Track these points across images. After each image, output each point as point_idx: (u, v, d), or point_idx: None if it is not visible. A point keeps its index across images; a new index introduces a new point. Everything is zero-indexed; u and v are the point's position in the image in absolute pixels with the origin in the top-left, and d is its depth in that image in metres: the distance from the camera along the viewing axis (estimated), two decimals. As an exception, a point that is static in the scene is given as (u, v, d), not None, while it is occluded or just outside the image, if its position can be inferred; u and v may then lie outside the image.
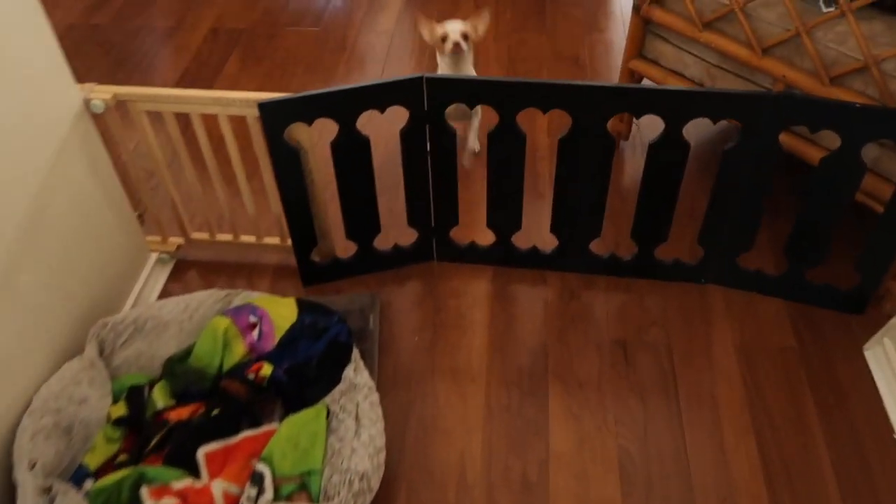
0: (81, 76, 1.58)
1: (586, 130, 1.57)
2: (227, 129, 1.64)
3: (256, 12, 2.89)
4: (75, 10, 2.94)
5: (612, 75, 2.51)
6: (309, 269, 1.83)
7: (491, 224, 1.81)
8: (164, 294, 1.87)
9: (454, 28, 1.87)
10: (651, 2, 1.88)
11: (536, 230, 1.89)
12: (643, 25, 1.94)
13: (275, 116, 1.52)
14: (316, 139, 1.63)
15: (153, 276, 1.89)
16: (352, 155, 1.63)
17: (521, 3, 2.88)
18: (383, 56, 2.65)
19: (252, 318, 1.55)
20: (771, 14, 1.68)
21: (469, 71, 1.94)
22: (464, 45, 1.87)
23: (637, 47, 1.99)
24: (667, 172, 1.62)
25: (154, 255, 1.91)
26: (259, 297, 1.62)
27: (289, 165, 1.60)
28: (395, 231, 1.93)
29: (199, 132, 1.65)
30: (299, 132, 1.58)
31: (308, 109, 1.53)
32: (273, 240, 1.89)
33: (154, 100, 1.59)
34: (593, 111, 1.53)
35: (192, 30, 2.82)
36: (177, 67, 2.63)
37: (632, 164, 2.17)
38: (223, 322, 1.53)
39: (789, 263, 1.70)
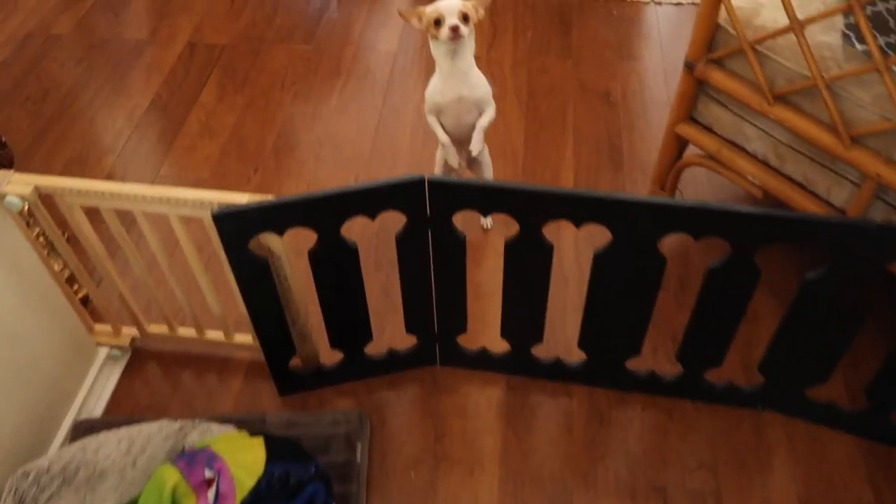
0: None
1: (630, 248, 1.24)
2: (180, 232, 1.31)
3: (240, 24, 2.53)
4: (35, 15, 2.58)
5: (651, 117, 2.16)
6: (286, 377, 1.53)
7: (505, 335, 1.50)
8: (117, 398, 1.57)
9: (450, 6, 1.49)
10: (708, 61, 1.53)
11: (562, 343, 1.59)
12: (696, 85, 1.60)
13: (234, 229, 1.20)
14: (290, 246, 1.31)
15: (103, 377, 1.59)
16: (335, 266, 1.32)
17: (543, 21, 2.51)
18: (385, 82, 2.30)
19: (208, 473, 1.25)
20: (866, 95, 1.34)
21: (470, 66, 1.57)
22: (463, 28, 1.49)
23: (687, 109, 1.65)
24: (729, 298, 1.30)
25: (104, 351, 1.61)
26: (220, 436, 1.32)
27: (255, 277, 1.29)
28: (390, 330, 1.62)
29: (147, 232, 1.33)
30: (268, 238, 1.27)
31: (277, 219, 1.21)
32: (244, 338, 1.58)
33: (85, 195, 1.26)
34: (640, 230, 1.21)
35: (167, 44, 2.46)
36: (145, 92, 2.28)
37: (678, 275, 1.84)
38: (172, 475, 1.23)
39: (870, 401, 1.39)
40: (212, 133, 2.15)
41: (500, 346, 1.54)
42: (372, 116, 2.19)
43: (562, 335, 1.61)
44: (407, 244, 1.32)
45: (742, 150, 1.60)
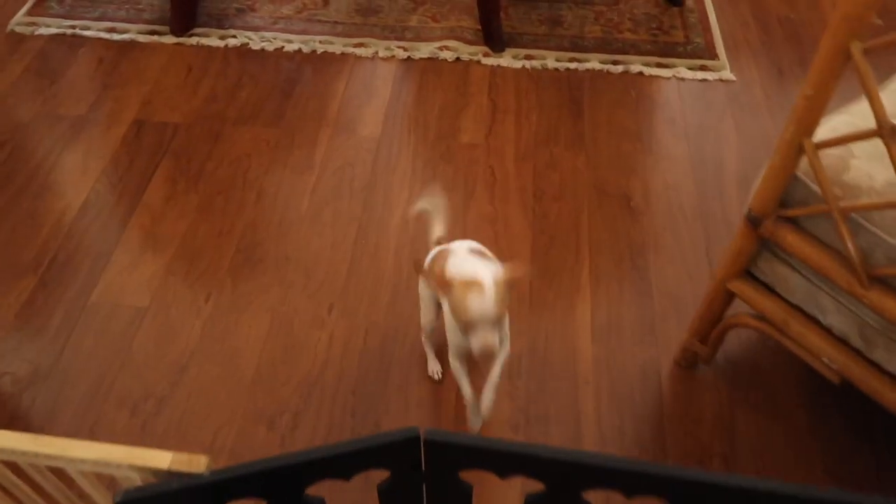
0: None
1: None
2: (87, 485, 0.96)
3: (197, 98, 2.16)
4: (-45, 81, 2.20)
5: (680, 233, 1.83)
6: None
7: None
8: None
9: (485, 312, 1.13)
10: (779, 218, 1.21)
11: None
12: (759, 242, 1.27)
13: (151, 516, 0.85)
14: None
15: None
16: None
17: (550, 100, 2.17)
18: (365, 180, 1.95)
19: None
20: None
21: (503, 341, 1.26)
22: (496, 341, 1.16)
23: (742, 262, 1.32)
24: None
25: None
26: None
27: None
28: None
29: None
30: None
31: (215, 497, 0.86)
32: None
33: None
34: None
35: (110, 123, 2.09)
36: (79, 188, 1.91)
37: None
38: None
39: None
40: (157, 244, 1.79)
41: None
42: (349, 226, 1.84)
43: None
44: (393, 497, 0.97)
45: (815, 321, 1.27)
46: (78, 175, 1.95)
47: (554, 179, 1.96)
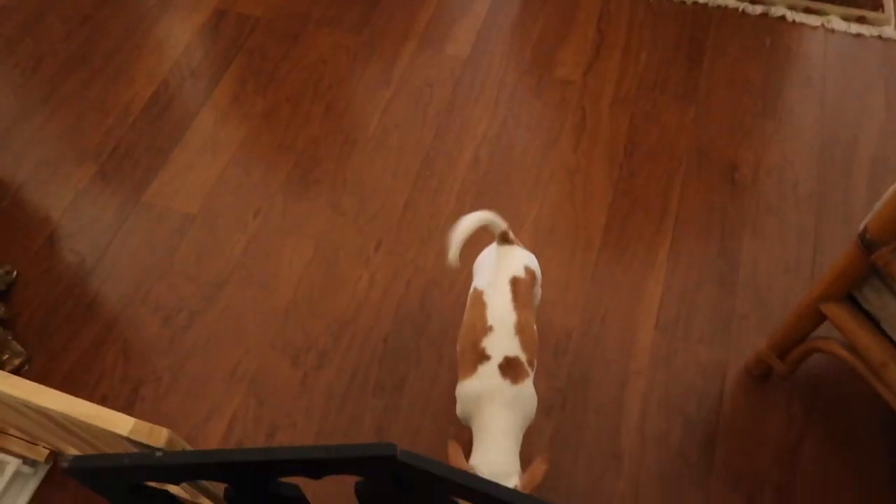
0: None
1: None
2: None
3: (284, -9, 2.02)
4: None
5: (788, 220, 1.57)
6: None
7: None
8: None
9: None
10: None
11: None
12: (868, 267, 1.04)
13: (102, 483, 0.79)
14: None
15: (8, 498, 1.26)
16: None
17: (667, 40, 1.89)
18: (443, 104, 1.78)
19: None
20: None
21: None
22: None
23: (845, 285, 1.10)
24: None
25: (13, 464, 1.28)
26: None
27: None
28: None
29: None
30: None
31: (170, 475, 0.79)
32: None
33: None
34: None
35: (192, 6, 2.00)
36: (150, 77, 1.85)
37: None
38: None
39: None
40: (216, 148, 1.72)
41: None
42: (416, 156, 1.69)
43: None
44: (372, 499, 0.88)
45: (920, 370, 1.05)
46: (153, 63, 1.89)
47: (652, 134, 1.73)
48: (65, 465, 0.74)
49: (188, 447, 0.82)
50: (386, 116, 1.77)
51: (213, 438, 1.33)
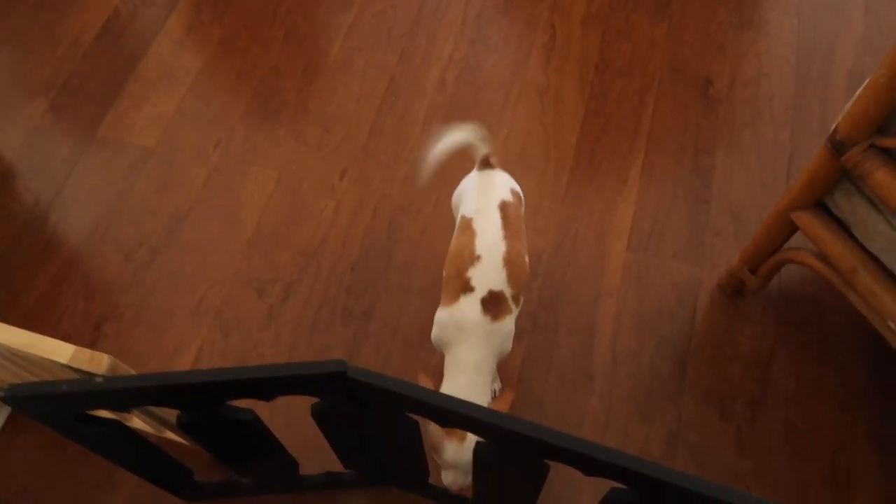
0: None
1: None
2: None
3: (238, -89, 1.91)
4: None
5: (762, 132, 1.54)
6: (189, 488, 1.15)
7: None
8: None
9: (459, 458, 1.00)
10: (871, 147, 0.94)
11: None
12: (839, 171, 1.01)
13: (44, 412, 0.77)
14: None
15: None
16: (226, 436, 0.88)
17: (641, -50, 1.81)
18: (407, 25, 1.71)
19: None
20: None
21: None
22: (467, 482, 1.04)
23: (816, 192, 1.06)
24: None
25: (-25, 405, 1.25)
26: None
27: (106, 441, 0.87)
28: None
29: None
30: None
31: (115, 401, 0.77)
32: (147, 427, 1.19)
33: None
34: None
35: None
36: (102, 4, 1.76)
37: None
38: None
39: None
40: (172, 79, 1.65)
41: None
42: (380, 80, 1.63)
43: None
44: (329, 419, 0.86)
45: (892, 277, 1.03)
46: (102, -9, 1.80)
47: (624, 50, 1.67)
48: (1, 394, 0.72)
49: (133, 373, 0.79)
50: (348, 40, 1.70)
51: (181, 373, 1.31)
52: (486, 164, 1.17)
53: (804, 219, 1.09)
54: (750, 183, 1.48)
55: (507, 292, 1.07)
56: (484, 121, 1.57)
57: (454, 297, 1.08)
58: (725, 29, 1.69)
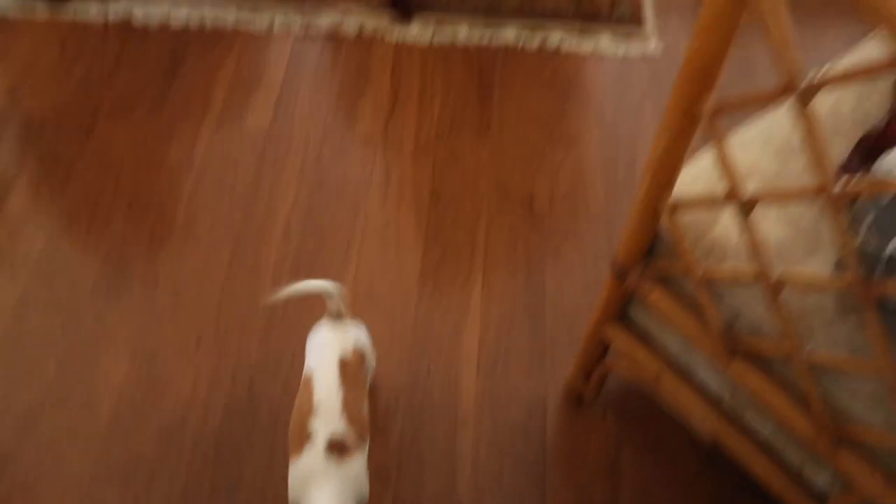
0: None
1: None
2: None
3: (71, 82, 1.96)
4: None
5: (583, 240, 1.68)
6: None
7: None
8: None
9: None
10: (646, 271, 1.07)
11: None
12: (625, 292, 1.14)
13: None
14: None
15: None
16: None
17: (458, 83, 1.97)
18: (249, 181, 1.78)
19: None
20: (865, 386, 0.90)
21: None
22: None
23: (614, 310, 1.20)
24: None
25: None
26: None
27: None
28: None
29: None
30: None
31: None
32: None
33: None
34: None
35: (-30, 118, 1.90)
36: (-66, 200, 1.75)
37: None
38: None
39: None
40: (13, 267, 1.64)
41: None
42: (226, 238, 1.68)
43: None
44: None
45: (689, 376, 1.16)
46: (-67, 184, 1.78)
47: (454, 176, 1.80)
48: None
49: None
50: (192, 202, 1.75)
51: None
52: (336, 315, 1.24)
53: (611, 331, 1.22)
54: (577, 289, 1.62)
55: (349, 433, 1.13)
56: (331, 265, 1.65)
57: (298, 451, 1.12)
58: (540, 145, 1.86)
